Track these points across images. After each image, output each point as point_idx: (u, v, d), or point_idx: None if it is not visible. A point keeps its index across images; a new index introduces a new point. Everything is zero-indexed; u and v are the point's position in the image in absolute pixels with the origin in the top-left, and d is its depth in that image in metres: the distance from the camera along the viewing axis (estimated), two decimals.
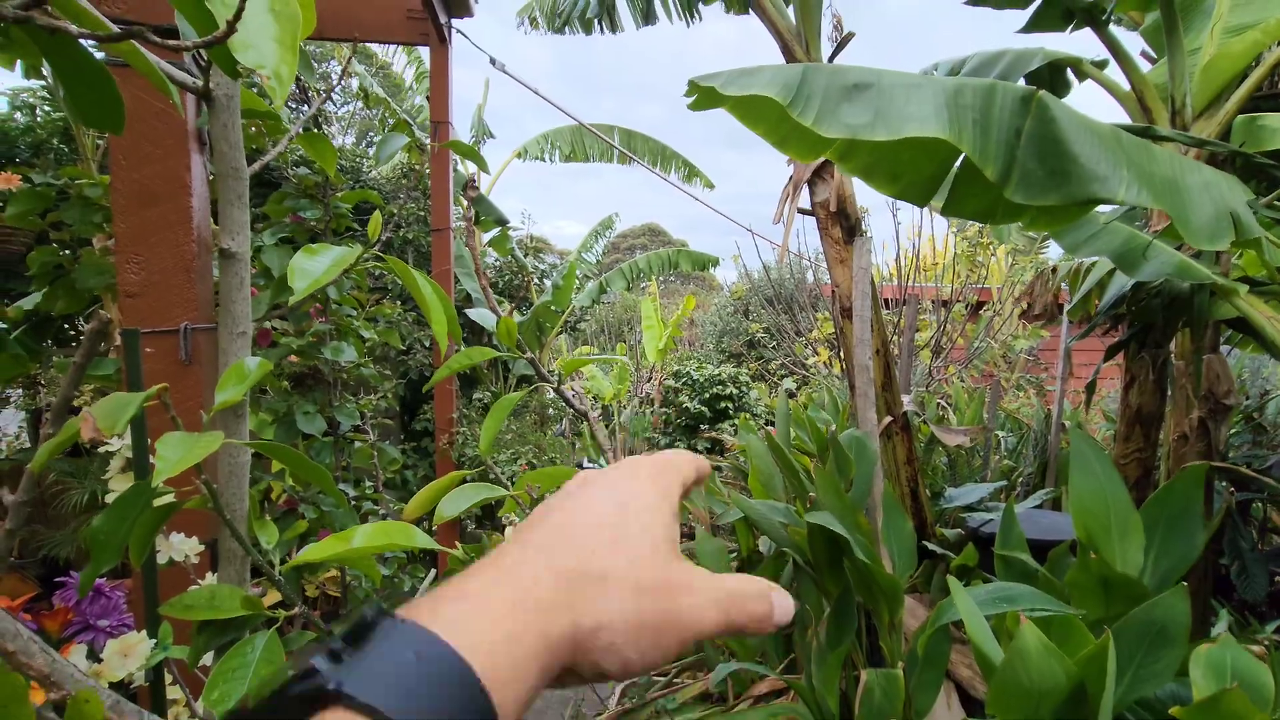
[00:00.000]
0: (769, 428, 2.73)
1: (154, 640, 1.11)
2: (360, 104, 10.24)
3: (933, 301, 6.19)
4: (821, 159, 1.88)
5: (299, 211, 2.39)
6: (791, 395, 6.59)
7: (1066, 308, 2.82)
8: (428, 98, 6.47)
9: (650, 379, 8.01)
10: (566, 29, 4.34)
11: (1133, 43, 2.40)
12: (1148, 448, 2.19)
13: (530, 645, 0.28)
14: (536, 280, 6.08)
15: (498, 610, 0.29)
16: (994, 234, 5.66)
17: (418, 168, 4.67)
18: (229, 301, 0.98)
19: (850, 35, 2.24)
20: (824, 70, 1.38)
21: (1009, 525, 1.74)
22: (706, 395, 6.81)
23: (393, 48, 8.40)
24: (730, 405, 6.81)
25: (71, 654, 1.17)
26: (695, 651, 2.26)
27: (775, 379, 8.59)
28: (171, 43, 0.69)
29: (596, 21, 4.16)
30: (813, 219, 2.27)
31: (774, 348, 8.60)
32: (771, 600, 0.35)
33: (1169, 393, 2.17)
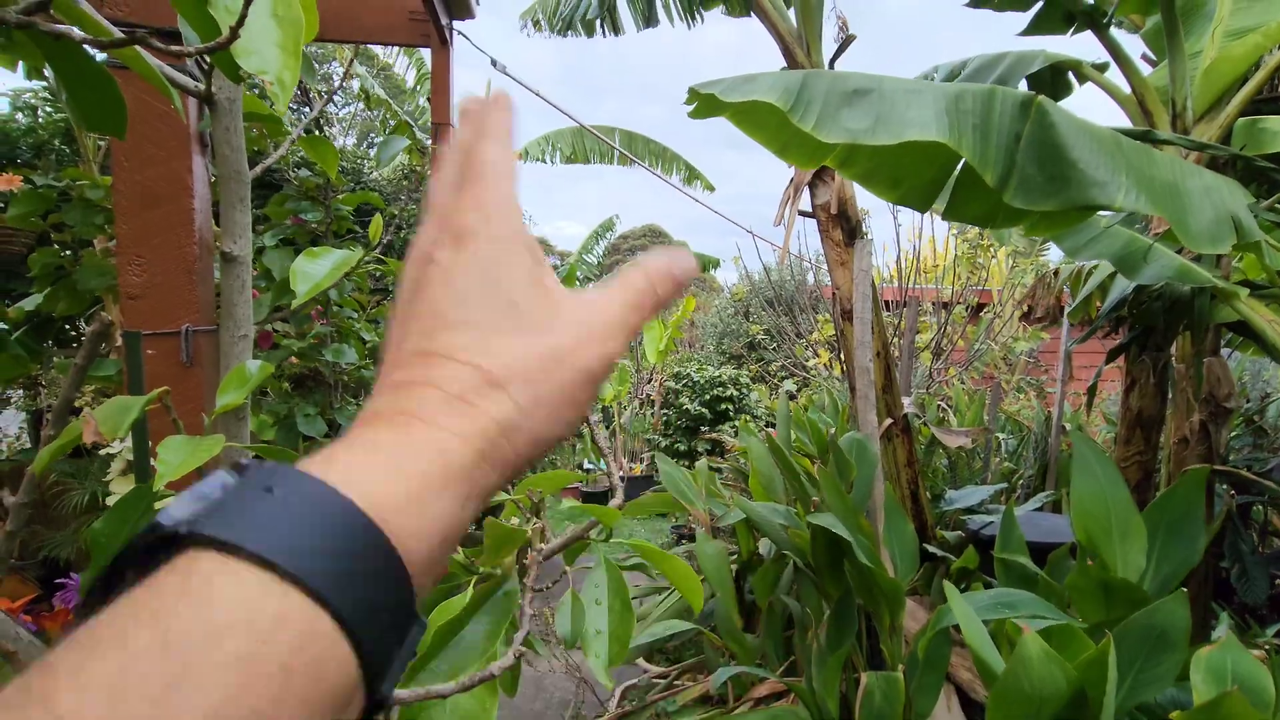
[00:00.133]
0: (769, 430, 2.73)
1: None
2: (361, 105, 10.26)
3: (933, 303, 6.18)
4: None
5: (300, 213, 2.40)
6: (792, 397, 6.59)
7: (1067, 310, 2.82)
8: (429, 99, 6.47)
9: (650, 380, 8.01)
10: (569, 31, 4.35)
11: (1134, 46, 2.41)
12: (1148, 451, 2.19)
13: (426, 466, 0.25)
14: None
15: (381, 441, 0.25)
16: (994, 236, 5.66)
17: (419, 169, 4.67)
18: (230, 304, 0.98)
19: (851, 38, 2.24)
20: (824, 76, 1.38)
21: (1009, 528, 1.74)
22: (707, 397, 6.82)
23: (394, 49, 8.41)
24: (731, 407, 6.81)
25: None
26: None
27: (776, 381, 8.59)
28: (175, 48, 0.69)
29: (598, 23, 4.16)
30: (814, 221, 2.27)
31: (774, 349, 8.60)
32: (659, 274, 0.33)
33: (1170, 396, 2.17)
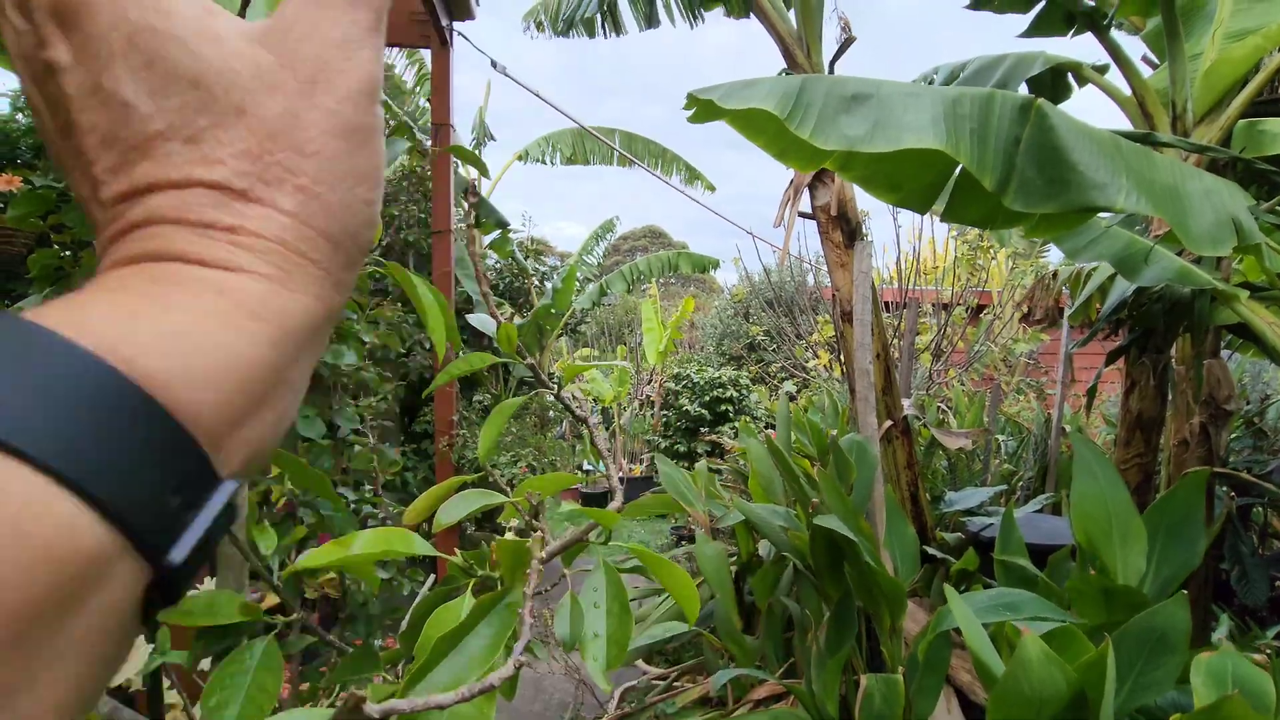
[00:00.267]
0: (769, 431, 2.72)
1: (152, 645, 1.11)
2: None
3: (933, 305, 6.19)
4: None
5: None
6: (792, 398, 6.59)
7: (1067, 312, 2.82)
8: (429, 100, 6.47)
9: (650, 381, 8.01)
10: (570, 32, 4.35)
11: (1134, 47, 2.41)
12: (1148, 453, 2.19)
13: (188, 305, 0.21)
14: (537, 283, 6.09)
15: (129, 285, 0.22)
16: (994, 238, 5.66)
17: (419, 170, 4.68)
18: None
19: (851, 39, 2.24)
20: (823, 81, 1.38)
21: (1009, 530, 1.74)
22: (707, 398, 6.82)
23: (394, 50, 8.41)
24: (730, 408, 6.81)
25: None
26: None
27: (775, 382, 8.59)
28: None
29: (599, 23, 4.17)
30: (813, 222, 2.27)
31: (774, 350, 8.60)
32: None
33: (1170, 398, 2.17)
